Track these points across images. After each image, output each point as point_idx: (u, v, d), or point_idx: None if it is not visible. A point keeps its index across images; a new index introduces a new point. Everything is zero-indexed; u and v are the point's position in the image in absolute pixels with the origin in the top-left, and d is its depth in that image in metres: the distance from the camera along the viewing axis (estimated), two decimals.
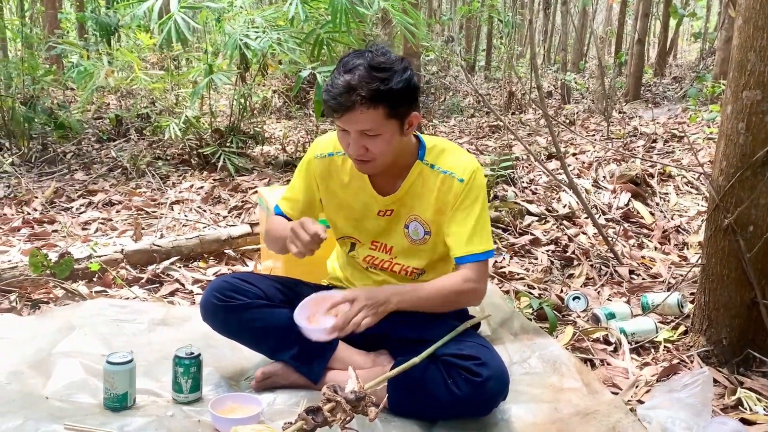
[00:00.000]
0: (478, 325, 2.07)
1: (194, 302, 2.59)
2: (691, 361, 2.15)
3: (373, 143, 1.68)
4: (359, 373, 1.86)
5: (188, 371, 1.81)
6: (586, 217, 3.45)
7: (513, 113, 7.53)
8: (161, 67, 6.00)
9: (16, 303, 2.48)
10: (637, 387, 2.03)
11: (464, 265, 1.80)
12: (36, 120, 5.02)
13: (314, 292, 2.02)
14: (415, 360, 1.68)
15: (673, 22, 11.18)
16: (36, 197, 3.97)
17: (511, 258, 3.12)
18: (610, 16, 15.42)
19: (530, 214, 3.59)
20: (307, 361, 1.91)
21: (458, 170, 1.80)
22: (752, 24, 1.92)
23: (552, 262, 3.07)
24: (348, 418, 1.47)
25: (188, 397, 1.82)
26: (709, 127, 5.22)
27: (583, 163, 4.45)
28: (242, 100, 5.09)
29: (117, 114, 5.72)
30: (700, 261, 2.24)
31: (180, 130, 4.61)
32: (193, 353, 1.82)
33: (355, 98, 1.61)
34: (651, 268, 3.01)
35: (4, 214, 3.68)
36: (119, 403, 1.75)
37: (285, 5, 4.39)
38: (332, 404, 1.48)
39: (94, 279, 2.73)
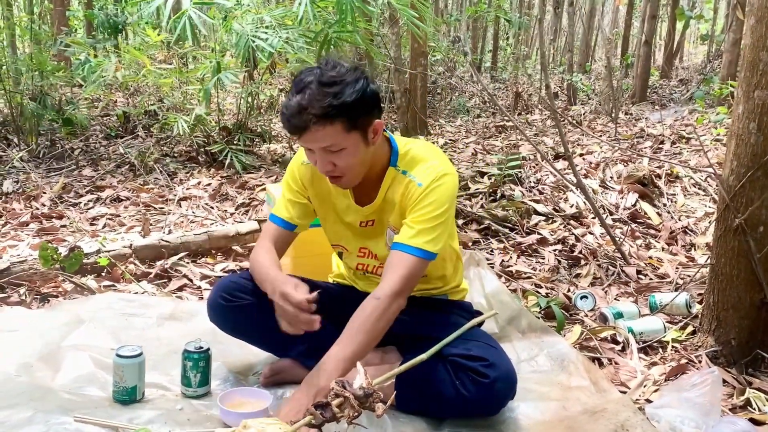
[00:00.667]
0: (483, 321, 2.08)
1: (202, 297, 2.59)
2: (700, 361, 2.15)
3: (338, 158, 1.65)
4: (367, 370, 1.87)
5: (197, 365, 1.81)
6: (594, 217, 3.45)
7: (519, 114, 7.53)
8: (168, 64, 6.01)
9: (26, 296, 2.49)
10: (645, 386, 2.03)
11: (395, 253, 1.70)
12: (45, 116, 5.04)
13: (320, 289, 2.00)
14: (423, 357, 1.68)
15: (679, 25, 11.15)
16: (44, 192, 3.99)
17: (518, 257, 3.12)
18: (617, 17, 15.40)
19: (537, 213, 3.59)
20: (316, 357, 1.90)
21: (420, 175, 1.74)
22: (765, 23, 1.92)
23: (559, 262, 3.07)
24: (356, 414, 1.47)
25: (197, 391, 1.83)
26: (716, 128, 5.20)
27: (591, 163, 4.44)
28: (249, 99, 5.10)
29: (124, 111, 5.73)
30: (708, 261, 2.24)
31: (188, 127, 4.62)
32: (202, 347, 1.83)
33: (307, 118, 1.58)
34: (658, 269, 3.00)
35: (13, 209, 3.69)
36: (128, 396, 1.75)
37: (294, 5, 4.40)
38: (340, 399, 1.48)
39: (103, 273, 2.74)
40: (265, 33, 4.31)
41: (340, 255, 2.00)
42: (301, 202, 1.91)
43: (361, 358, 1.63)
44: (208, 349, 1.84)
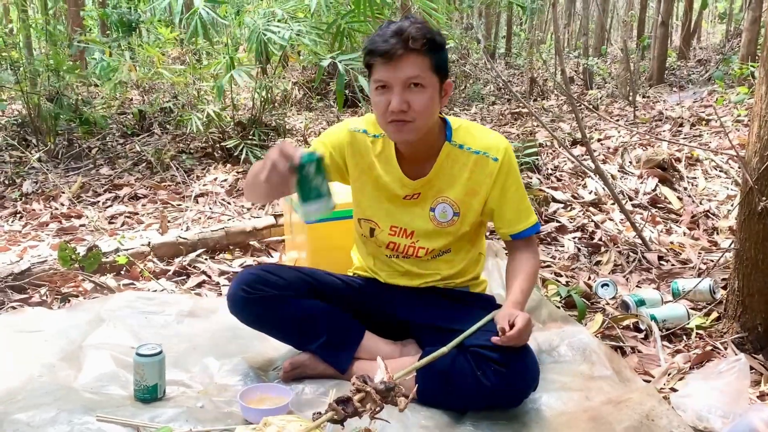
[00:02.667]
0: None
1: (221, 294, 2.60)
2: (725, 348, 2.11)
3: (416, 97, 1.66)
4: (388, 363, 1.86)
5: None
6: (613, 203, 3.40)
7: (535, 100, 7.45)
8: (182, 61, 6.02)
9: (47, 297, 2.51)
10: (670, 375, 1.99)
11: (521, 239, 1.88)
12: (62, 116, 5.08)
13: (341, 282, 2.01)
14: (444, 350, 1.67)
15: (696, 4, 10.95)
16: (63, 192, 4.02)
17: (538, 245, 3.08)
18: None
19: (555, 201, 3.55)
20: (335, 350, 1.90)
21: (491, 150, 1.80)
22: None
23: (579, 249, 3.03)
24: (378, 408, 1.46)
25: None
26: (737, 109, 5.10)
27: (609, 148, 4.38)
28: (264, 93, 5.10)
29: (140, 109, 5.76)
30: (732, 246, 2.19)
31: (202, 123, 4.63)
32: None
33: (406, 41, 1.61)
34: (680, 254, 2.96)
35: (33, 210, 3.72)
36: (149, 395, 1.76)
37: None
38: (362, 394, 1.47)
39: (122, 272, 2.76)
40: (277, 26, 4.30)
41: (371, 232, 1.94)
42: (336, 162, 1.89)
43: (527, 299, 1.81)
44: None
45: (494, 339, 1.62)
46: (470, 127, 1.86)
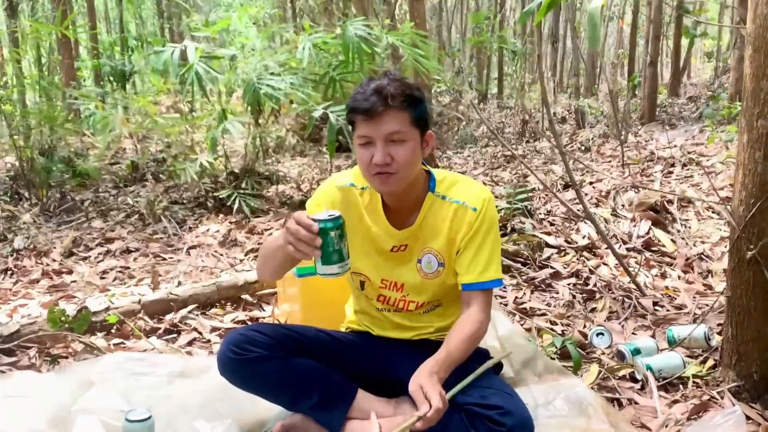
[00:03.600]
0: (500, 365, 2.04)
1: (212, 351, 2.57)
2: (722, 397, 2.08)
3: (398, 150, 1.69)
4: (381, 422, 1.84)
5: None
6: (607, 248, 3.40)
7: (527, 141, 7.52)
8: (176, 110, 6.08)
9: (36, 359, 2.48)
10: (667, 426, 1.97)
11: (471, 292, 1.82)
12: (54, 169, 5.10)
13: (332, 339, 2.00)
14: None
15: (685, 42, 11.16)
16: (54, 248, 4.01)
17: (532, 293, 3.07)
18: (622, 38, 15.44)
19: (549, 246, 3.54)
20: (327, 410, 1.87)
21: (471, 200, 1.81)
22: (763, 52, 1.90)
23: (574, 296, 3.02)
24: None
25: None
26: (727, 149, 5.15)
27: (601, 191, 4.40)
28: (256, 142, 5.14)
29: (133, 160, 5.79)
30: (725, 292, 2.19)
31: (195, 173, 4.65)
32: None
33: (385, 99, 1.66)
34: (675, 299, 2.95)
35: (24, 266, 3.71)
36: None
37: (298, 49, 4.45)
38: None
39: (113, 331, 2.73)
40: (272, 79, 4.36)
41: (361, 285, 1.95)
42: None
43: (454, 366, 1.73)
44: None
45: (418, 424, 1.57)
46: (455, 179, 1.88)
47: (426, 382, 1.62)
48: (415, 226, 1.84)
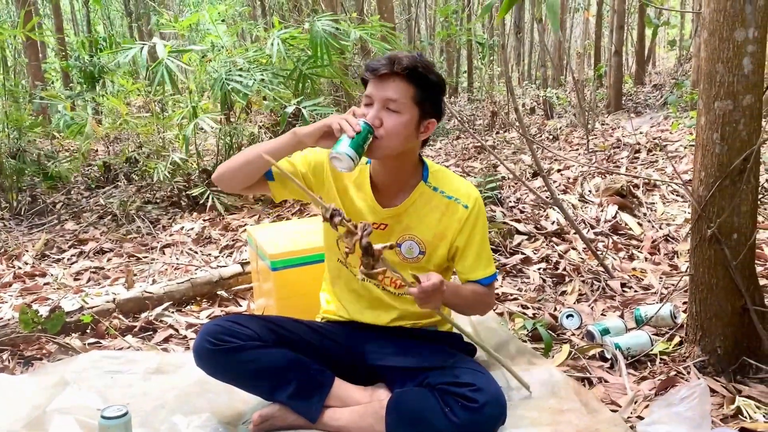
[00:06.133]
0: (474, 349, 2.08)
1: (188, 347, 2.58)
2: (688, 372, 2.15)
3: (389, 118, 1.74)
4: (356, 409, 1.87)
5: None
6: (575, 233, 3.47)
7: (497, 132, 7.59)
8: (147, 110, 6.04)
9: (9, 362, 2.46)
10: (636, 403, 2.02)
11: (477, 286, 1.92)
12: (25, 171, 5.04)
13: (309, 329, 2.02)
14: None
15: (649, 31, 11.33)
16: (26, 251, 3.97)
17: (504, 279, 3.13)
18: (588, 29, 15.61)
19: (519, 233, 3.60)
20: (305, 399, 1.90)
21: (463, 197, 1.88)
22: (717, 36, 1.96)
23: (544, 281, 3.08)
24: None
25: None
26: (691, 134, 5.26)
27: (568, 178, 4.47)
28: (228, 139, 5.13)
29: (105, 161, 5.74)
30: (688, 270, 2.25)
31: (168, 172, 4.63)
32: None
33: (392, 63, 1.72)
34: (642, 280, 3.02)
35: None
36: None
37: (266, 45, 4.45)
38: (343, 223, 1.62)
39: (87, 331, 2.72)
40: (240, 75, 4.36)
41: (346, 254, 1.98)
42: (302, 171, 1.92)
43: (454, 304, 1.89)
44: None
45: (411, 290, 1.67)
46: (446, 173, 1.95)
47: (434, 274, 1.70)
48: (400, 207, 1.88)
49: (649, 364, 2.27)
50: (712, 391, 2.02)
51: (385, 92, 1.74)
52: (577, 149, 5.82)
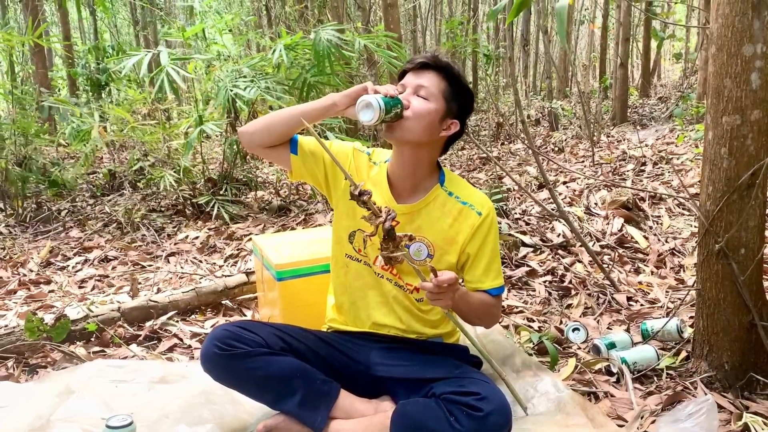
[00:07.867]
0: (480, 362, 2.08)
1: (193, 357, 2.57)
2: (695, 388, 2.14)
3: (417, 101, 1.81)
4: (362, 420, 1.86)
5: None
6: (581, 246, 3.46)
7: (502, 143, 7.59)
8: (152, 118, 6.06)
9: (14, 369, 2.46)
10: (642, 418, 2.01)
11: (486, 296, 1.93)
12: (31, 178, 5.05)
13: (315, 338, 2.02)
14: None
15: (654, 44, 11.35)
16: (31, 258, 3.97)
17: (509, 291, 3.12)
18: (593, 41, 15.65)
19: (525, 245, 3.59)
20: (310, 410, 1.89)
21: (477, 204, 1.90)
22: (725, 51, 1.96)
23: (550, 293, 3.07)
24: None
25: None
26: (697, 147, 5.26)
27: (574, 191, 4.47)
28: (234, 148, 5.14)
29: (110, 169, 5.76)
30: (695, 285, 2.25)
31: (174, 180, 4.64)
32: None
33: (433, 62, 1.84)
34: (648, 294, 3.01)
35: (0, 277, 3.67)
36: None
37: (270, 53, 4.47)
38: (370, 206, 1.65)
39: (92, 339, 2.72)
40: (244, 83, 4.37)
41: (363, 242, 1.98)
42: (325, 159, 1.96)
43: (463, 312, 1.87)
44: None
45: (425, 284, 1.69)
46: (462, 181, 1.99)
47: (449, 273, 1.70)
48: (414, 206, 1.90)
49: (655, 378, 2.26)
50: (719, 406, 2.00)
51: (419, 80, 1.83)
52: (583, 161, 5.82)
